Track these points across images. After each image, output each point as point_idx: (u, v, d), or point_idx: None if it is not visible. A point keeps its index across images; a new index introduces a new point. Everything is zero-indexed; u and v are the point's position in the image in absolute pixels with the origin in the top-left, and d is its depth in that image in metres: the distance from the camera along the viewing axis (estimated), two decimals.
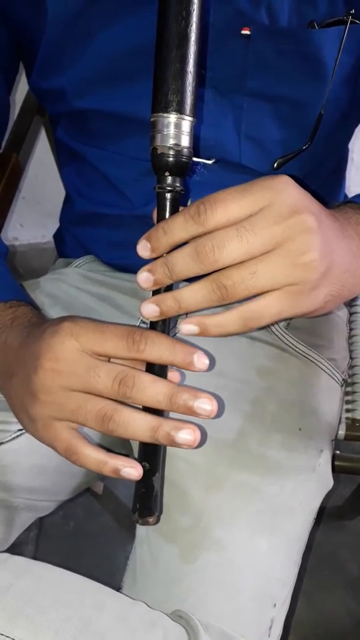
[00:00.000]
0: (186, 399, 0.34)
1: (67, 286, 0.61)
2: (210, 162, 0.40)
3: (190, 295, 0.34)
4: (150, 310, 0.35)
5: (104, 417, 0.34)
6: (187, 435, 0.34)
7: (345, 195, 0.70)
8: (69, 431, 0.37)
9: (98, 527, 1.01)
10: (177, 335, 0.55)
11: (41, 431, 0.37)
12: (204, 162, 0.40)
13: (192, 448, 0.34)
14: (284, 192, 0.33)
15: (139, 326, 0.55)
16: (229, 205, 0.32)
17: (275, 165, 0.52)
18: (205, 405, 0.34)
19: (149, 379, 0.34)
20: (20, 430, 0.46)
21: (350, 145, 0.64)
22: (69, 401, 0.35)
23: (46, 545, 0.97)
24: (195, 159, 0.37)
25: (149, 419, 0.34)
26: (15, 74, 0.58)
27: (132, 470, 0.35)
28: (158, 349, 0.34)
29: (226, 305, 0.34)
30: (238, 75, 0.48)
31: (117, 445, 0.57)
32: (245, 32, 0.45)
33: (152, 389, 0.34)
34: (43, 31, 0.48)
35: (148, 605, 0.39)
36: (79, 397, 0.35)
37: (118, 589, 0.45)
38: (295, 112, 0.50)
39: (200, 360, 0.34)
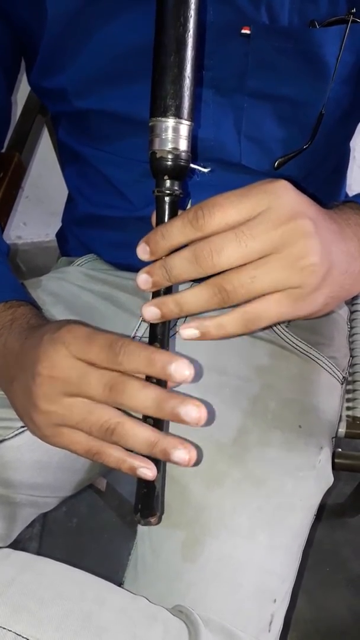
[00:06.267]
0: (173, 405, 0.33)
1: (69, 284, 0.61)
2: (206, 170, 0.41)
3: (191, 299, 0.34)
4: (151, 313, 0.36)
5: (107, 430, 0.35)
6: (182, 454, 0.34)
7: (346, 194, 0.70)
8: (85, 434, 0.37)
9: (101, 523, 1.02)
10: (176, 335, 0.55)
11: (52, 438, 0.38)
12: (199, 170, 0.40)
13: (187, 466, 0.34)
14: (282, 196, 0.33)
15: (139, 325, 0.56)
16: (227, 210, 0.33)
17: (275, 165, 0.52)
18: (192, 412, 0.33)
19: (138, 385, 0.34)
20: (23, 427, 0.47)
21: (351, 144, 0.64)
22: (72, 412, 0.36)
23: (49, 542, 0.97)
24: (191, 165, 0.37)
25: (148, 435, 0.34)
26: (16, 74, 0.58)
27: (148, 470, 0.36)
28: (135, 360, 0.34)
29: (228, 308, 0.35)
30: (238, 75, 0.48)
31: None
32: (245, 31, 0.45)
33: (141, 396, 0.34)
34: (43, 30, 0.48)
35: (149, 600, 0.40)
36: (82, 408, 0.36)
37: (120, 584, 0.45)
38: (296, 111, 0.50)
39: (179, 371, 0.33)
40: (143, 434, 0.35)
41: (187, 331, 0.35)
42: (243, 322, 0.34)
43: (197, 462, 0.35)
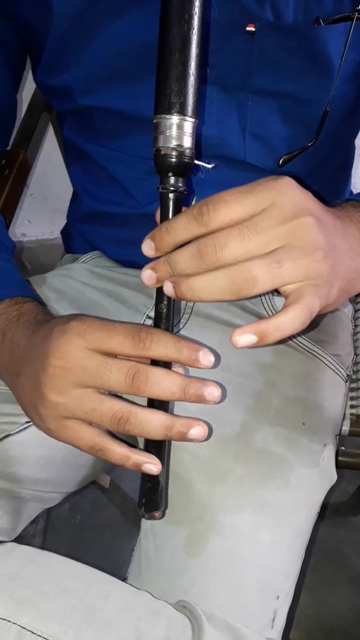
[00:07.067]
0: (197, 388, 0.35)
1: (74, 281, 0.61)
2: (209, 166, 0.41)
3: (204, 285, 0.33)
4: (169, 289, 0.34)
5: (120, 419, 0.35)
6: (199, 431, 0.36)
7: (351, 192, 0.70)
8: (91, 429, 0.38)
9: (104, 520, 1.02)
10: (180, 332, 0.56)
11: (57, 431, 0.38)
12: (203, 165, 0.40)
13: (201, 441, 0.36)
14: (286, 192, 0.33)
15: (144, 321, 0.56)
16: (232, 206, 0.33)
17: (280, 162, 0.52)
18: (215, 392, 0.35)
19: (162, 372, 0.35)
20: (28, 422, 0.47)
21: (357, 142, 0.64)
22: (82, 402, 0.36)
23: (53, 538, 0.98)
24: (195, 162, 0.37)
25: (162, 419, 0.36)
26: (22, 71, 0.58)
27: (152, 466, 0.37)
28: (164, 346, 0.35)
29: (234, 301, 0.34)
30: (243, 73, 0.48)
31: (122, 436, 0.58)
32: (250, 28, 0.45)
33: (166, 382, 0.35)
34: (48, 28, 0.48)
35: (153, 595, 0.40)
36: (93, 399, 0.36)
37: (124, 580, 0.45)
38: (301, 109, 0.50)
39: (206, 358, 0.35)
40: (158, 420, 0.36)
41: (243, 338, 0.33)
42: (305, 318, 0.33)
43: (208, 437, 0.37)
